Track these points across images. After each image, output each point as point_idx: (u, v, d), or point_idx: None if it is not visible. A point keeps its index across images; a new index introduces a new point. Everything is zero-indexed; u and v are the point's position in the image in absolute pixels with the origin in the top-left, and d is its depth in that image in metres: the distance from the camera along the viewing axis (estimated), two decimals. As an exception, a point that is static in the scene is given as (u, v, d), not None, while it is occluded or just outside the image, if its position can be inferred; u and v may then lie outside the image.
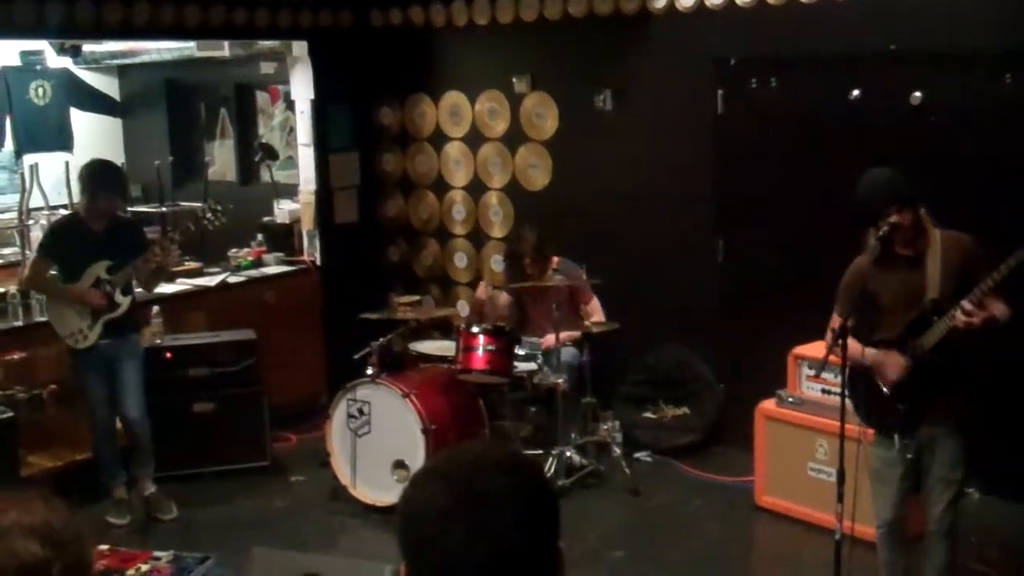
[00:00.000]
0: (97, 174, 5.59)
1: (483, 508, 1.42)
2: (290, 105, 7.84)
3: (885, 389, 4.19)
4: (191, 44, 7.48)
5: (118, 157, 8.65)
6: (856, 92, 5.73)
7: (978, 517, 5.02)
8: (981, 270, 3.98)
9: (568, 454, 5.91)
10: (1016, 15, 5.20)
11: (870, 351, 4.19)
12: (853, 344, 4.13)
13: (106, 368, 5.61)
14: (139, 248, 5.57)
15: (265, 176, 8.04)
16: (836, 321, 4.21)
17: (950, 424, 4.14)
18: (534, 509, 1.47)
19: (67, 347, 5.59)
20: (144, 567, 4.38)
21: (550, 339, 6.01)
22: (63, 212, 7.52)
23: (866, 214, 4.10)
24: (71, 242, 5.54)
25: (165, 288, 6.37)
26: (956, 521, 4.25)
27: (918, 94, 5.51)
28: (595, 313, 6.28)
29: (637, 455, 6.30)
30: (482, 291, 6.87)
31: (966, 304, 3.88)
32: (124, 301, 5.53)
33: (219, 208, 5.84)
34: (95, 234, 5.52)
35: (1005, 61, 5.26)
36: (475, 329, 5.84)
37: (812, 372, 5.28)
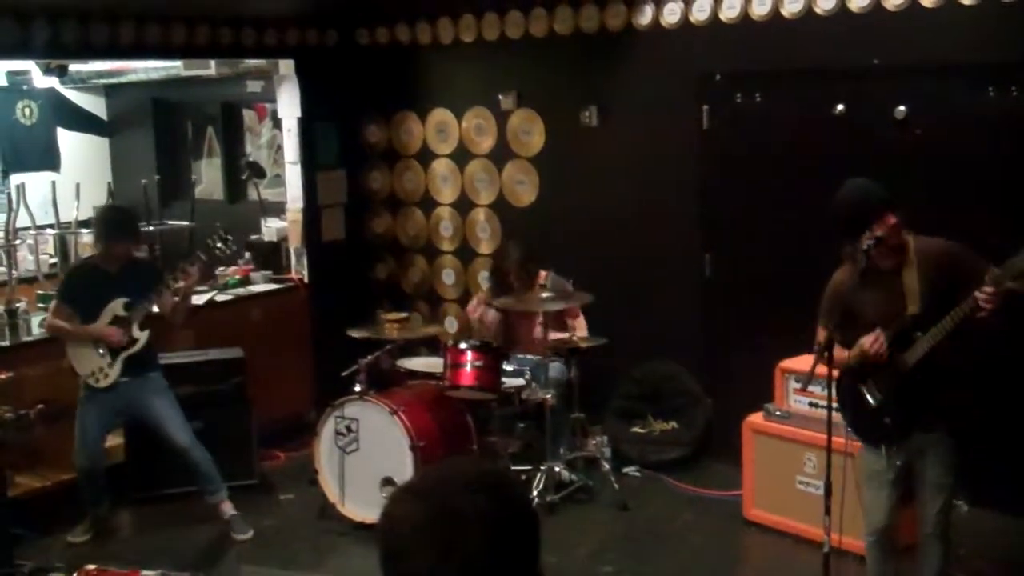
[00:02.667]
0: (111, 222, 5.62)
1: (455, 528, 1.43)
2: (277, 123, 7.85)
3: (872, 401, 4.21)
4: (177, 63, 7.49)
5: (105, 176, 8.68)
6: (840, 106, 5.76)
7: (966, 529, 5.02)
8: (968, 266, 3.97)
9: (557, 469, 5.91)
10: (998, 28, 5.24)
11: (851, 352, 4.22)
12: (838, 352, 4.16)
13: (121, 412, 5.65)
14: (154, 284, 5.58)
15: (252, 194, 8.04)
16: (822, 335, 4.22)
17: (941, 429, 4.16)
18: (509, 531, 1.47)
19: (84, 386, 5.56)
20: (132, 587, 4.36)
21: (538, 332, 6.02)
22: (49, 232, 7.52)
23: (858, 222, 4.08)
24: (87, 285, 5.57)
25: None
26: (950, 525, 4.28)
27: (902, 108, 5.54)
28: (579, 329, 6.28)
29: (626, 470, 6.31)
30: (474, 307, 6.75)
31: (983, 292, 3.81)
32: (142, 336, 5.53)
33: (229, 237, 5.83)
34: (110, 275, 5.54)
35: (988, 74, 5.30)
36: (463, 345, 5.83)
37: (799, 385, 5.29)
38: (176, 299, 5.65)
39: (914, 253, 4.10)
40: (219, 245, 5.79)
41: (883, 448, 4.23)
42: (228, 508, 5.73)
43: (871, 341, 4.13)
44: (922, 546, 4.31)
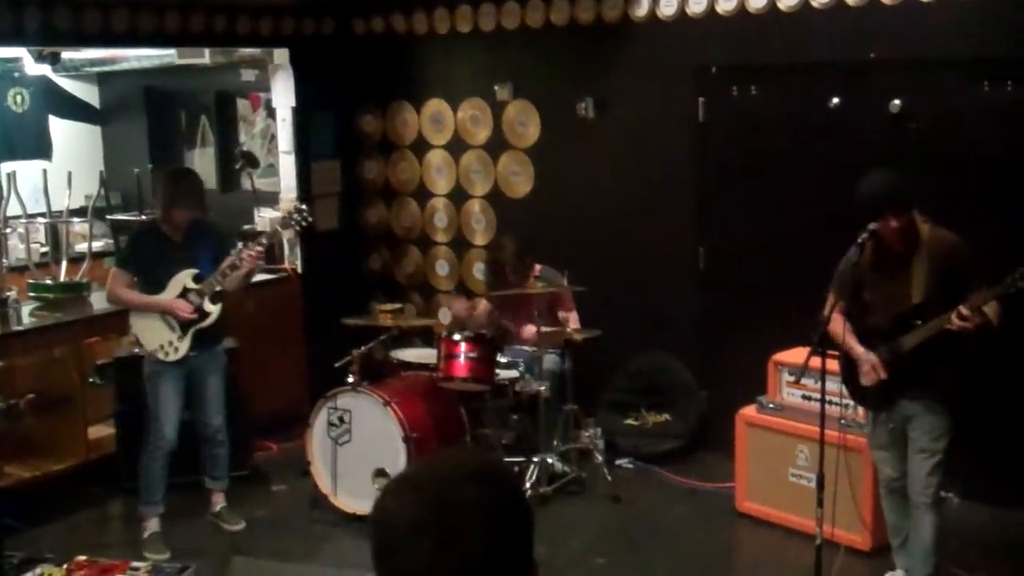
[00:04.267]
0: (171, 185, 5.40)
1: (453, 520, 1.40)
2: (271, 112, 7.82)
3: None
4: (171, 51, 7.44)
5: (97, 165, 8.63)
6: (836, 100, 5.76)
7: (957, 521, 5.04)
8: (970, 271, 4.06)
9: (550, 461, 5.90)
10: (993, 23, 5.24)
11: (855, 348, 4.31)
12: (844, 329, 4.30)
13: (185, 381, 5.46)
14: (222, 253, 5.37)
15: (246, 184, 8.00)
16: (831, 298, 4.34)
17: (931, 398, 4.26)
18: (505, 522, 1.45)
19: (150, 358, 5.38)
20: (123, 577, 4.36)
21: (529, 329, 6.02)
22: (40, 220, 7.47)
23: (862, 214, 4.17)
24: (151, 252, 5.38)
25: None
26: (939, 491, 4.36)
27: (897, 102, 5.54)
28: (572, 323, 6.27)
29: (619, 462, 6.30)
30: (461, 307, 6.77)
31: (963, 309, 3.94)
32: (214, 309, 5.38)
33: (305, 209, 5.61)
34: (175, 243, 5.36)
35: (983, 68, 5.30)
36: (457, 337, 5.81)
37: (792, 378, 5.31)
38: (243, 273, 5.37)
39: (926, 242, 4.15)
40: (295, 218, 5.55)
41: (870, 413, 4.45)
42: (220, 500, 5.71)
43: (869, 368, 4.30)
44: (913, 518, 4.37)
